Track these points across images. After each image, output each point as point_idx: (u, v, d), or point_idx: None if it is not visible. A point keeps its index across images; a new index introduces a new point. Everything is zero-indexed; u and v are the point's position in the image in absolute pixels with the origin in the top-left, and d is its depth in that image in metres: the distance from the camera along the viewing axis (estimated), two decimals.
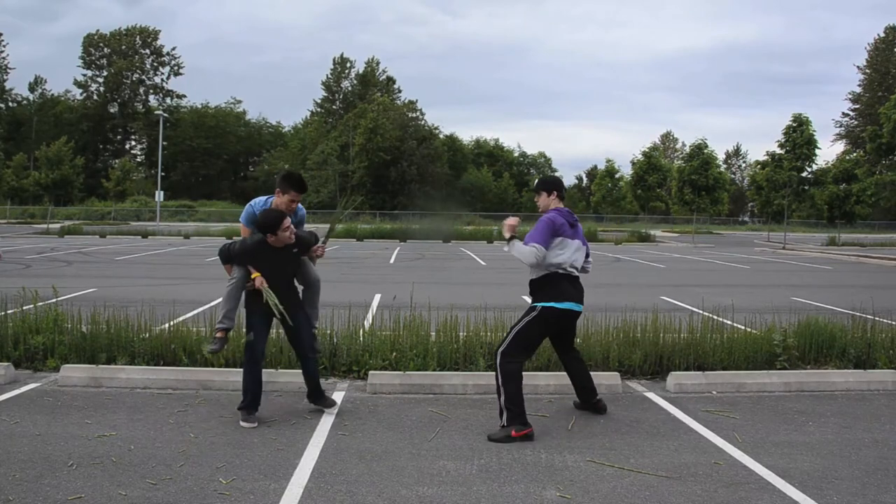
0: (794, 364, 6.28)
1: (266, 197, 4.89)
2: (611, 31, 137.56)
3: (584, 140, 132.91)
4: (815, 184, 58.20)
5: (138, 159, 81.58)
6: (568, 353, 5.08)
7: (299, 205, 4.90)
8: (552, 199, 4.89)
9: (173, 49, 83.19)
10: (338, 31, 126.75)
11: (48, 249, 21.83)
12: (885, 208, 62.34)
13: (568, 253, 4.72)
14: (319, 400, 5.05)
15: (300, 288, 5.06)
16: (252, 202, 4.90)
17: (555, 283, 4.70)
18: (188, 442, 4.34)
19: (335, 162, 67.49)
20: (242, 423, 4.70)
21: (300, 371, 5.71)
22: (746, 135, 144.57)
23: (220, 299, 4.88)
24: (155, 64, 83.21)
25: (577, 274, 4.81)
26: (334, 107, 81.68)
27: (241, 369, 5.71)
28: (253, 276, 4.62)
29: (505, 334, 4.98)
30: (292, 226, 4.63)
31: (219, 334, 4.89)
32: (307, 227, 5.20)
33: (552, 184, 4.97)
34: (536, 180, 5.15)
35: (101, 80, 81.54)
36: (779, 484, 3.82)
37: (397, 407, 5.22)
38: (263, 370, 5.71)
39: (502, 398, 4.54)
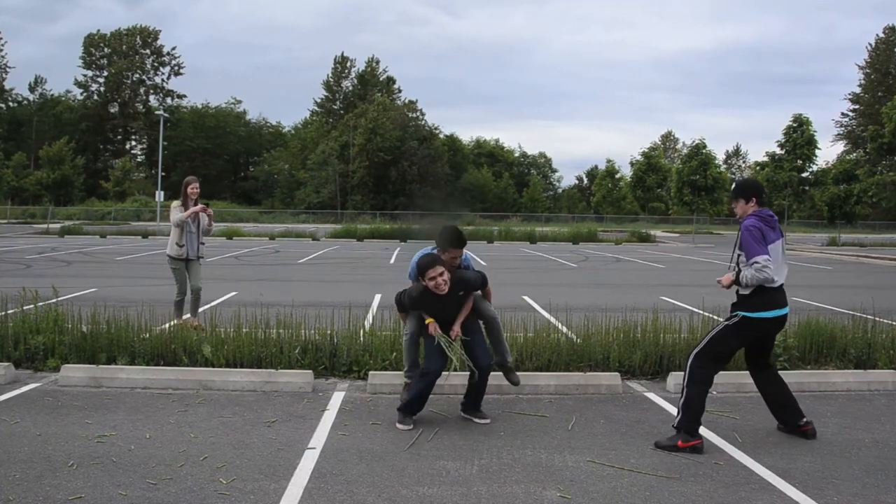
0: (795, 364, 6.29)
1: (431, 247, 4.91)
2: (612, 32, 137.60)
3: (585, 140, 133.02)
4: (816, 184, 58.20)
5: (138, 159, 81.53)
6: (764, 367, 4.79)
7: (465, 253, 5.01)
8: (750, 206, 4.57)
9: (173, 49, 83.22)
10: (338, 31, 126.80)
11: (48, 249, 21.83)
12: (886, 208, 62.35)
13: (774, 260, 4.40)
14: (474, 411, 5.00)
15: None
16: (417, 253, 4.95)
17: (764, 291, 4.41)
18: (188, 442, 4.34)
19: (335, 162, 67.46)
20: (398, 425, 4.73)
21: (300, 371, 5.75)
22: (746, 135, 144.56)
23: None
24: (155, 64, 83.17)
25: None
26: (334, 107, 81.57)
27: (244, 369, 5.75)
28: (427, 322, 4.78)
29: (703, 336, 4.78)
30: (445, 274, 4.64)
31: (408, 381, 4.98)
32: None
33: (750, 190, 4.62)
34: (733, 186, 4.78)
35: (101, 80, 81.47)
36: (779, 484, 3.82)
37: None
38: (263, 370, 5.75)
39: (682, 399, 4.44)
